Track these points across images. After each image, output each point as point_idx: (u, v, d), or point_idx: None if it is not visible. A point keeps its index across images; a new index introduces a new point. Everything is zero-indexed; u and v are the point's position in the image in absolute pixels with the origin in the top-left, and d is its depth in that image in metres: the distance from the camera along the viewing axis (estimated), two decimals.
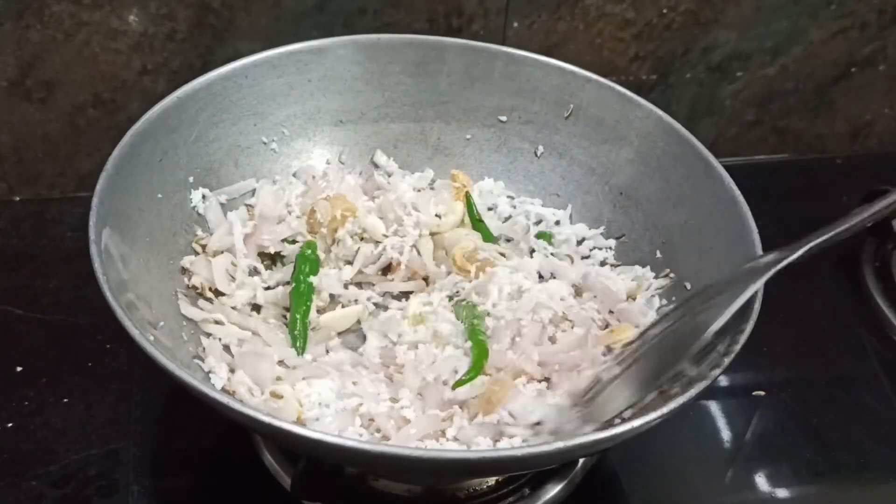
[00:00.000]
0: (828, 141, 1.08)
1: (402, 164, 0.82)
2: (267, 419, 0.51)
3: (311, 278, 0.70)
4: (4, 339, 0.77)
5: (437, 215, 0.76)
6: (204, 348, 0.66)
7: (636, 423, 0.52)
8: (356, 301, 0.71)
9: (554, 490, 0.67)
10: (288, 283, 0.70)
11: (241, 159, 0.77)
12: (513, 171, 0.82)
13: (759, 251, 0.64)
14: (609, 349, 0.66)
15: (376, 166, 0.81)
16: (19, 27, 0.81)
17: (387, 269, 0.73)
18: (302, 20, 0.86)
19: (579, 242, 0.78)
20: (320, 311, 0.70)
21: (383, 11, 0.87)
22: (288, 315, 0.69)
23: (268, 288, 0.71)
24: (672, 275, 0.72)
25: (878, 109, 1.07)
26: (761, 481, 0.72)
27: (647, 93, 0.97)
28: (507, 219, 0.80)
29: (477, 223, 0.77)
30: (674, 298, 0.70)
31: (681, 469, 0.73)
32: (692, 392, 0.54)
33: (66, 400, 0.72)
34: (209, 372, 0.64)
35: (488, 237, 0.77)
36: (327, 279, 0.70)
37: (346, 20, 0.87)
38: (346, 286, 0.72)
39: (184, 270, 0.70)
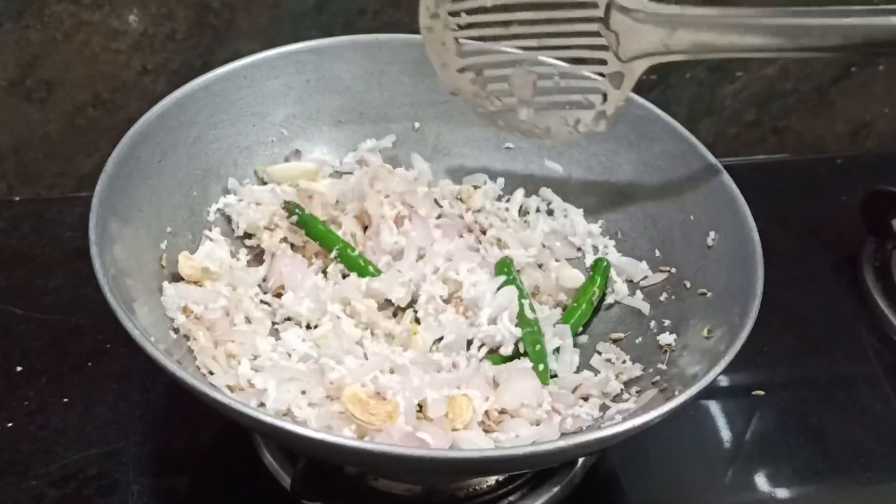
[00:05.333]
0: (828, 141, 1.08)
1: (400, 164, 0.82)
2: (267, 419, 0.51)
3: None
4: (4, 339, 0.77)
5: None
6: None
7: (636, 422, 0.52)
8: None
9: (554, 490, 0.67)
10: None
11: (240, 160, 0.76)
12: (511, 170, 0.82)
13: (759, 251, 0.64)
14: None
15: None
16: (19, 27, 0.81)
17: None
18: (302, 20, 0.86)
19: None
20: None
21: (383, 11, 0.87)
22: None
23: None
24: (673, 270, 0.72)
25: (878, 109, 1.07)
26: (761, 481, 0.72)
27: (647, 93, 0.97)
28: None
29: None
30: (673, 297, 0.70)
31: (681, 469, 0.73)
32: (692, 392, 0.54)
33: (66, 400, 0.72)
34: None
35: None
36: None
37: (346, 20, 0.87)
38: None
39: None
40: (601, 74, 0.66)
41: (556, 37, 0.66)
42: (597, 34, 0.64)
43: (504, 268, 0.72)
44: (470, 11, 0.65)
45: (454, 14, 0.65)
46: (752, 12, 0.61)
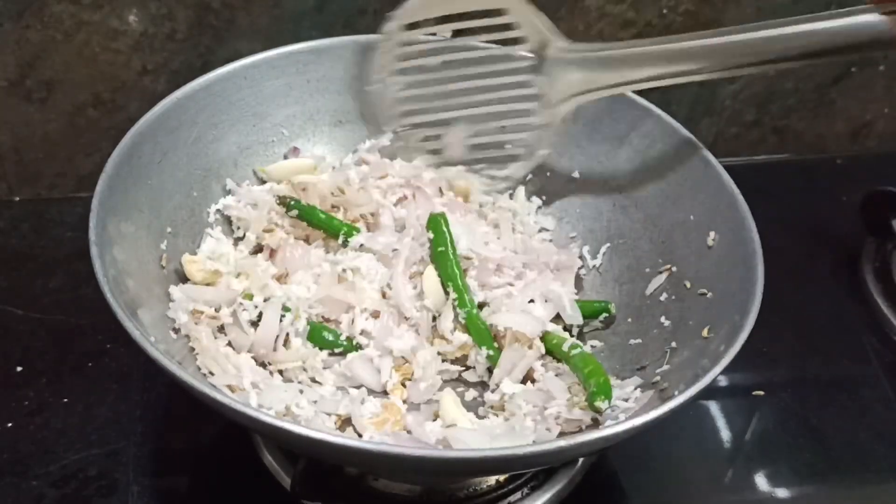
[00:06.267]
0: (828, 141, 1.08)
1: None
2: (267, 419, 0.51)
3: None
4: (4, 339, 0.77)
5: None
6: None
7: (636, 422, 0.52)
8: None
9: (554, 490, 0.67)
10: None
11: (240, 160, 0.77)
12: None
13: (759, 251, 0.64)
14: None
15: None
16: (19, 27, 0.81)
17: None
18: (302, 20, 0.86)
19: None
20: None
21: (383, 11, 0.87)
22: None
23: None
24: (673, 269, 0.72)
25: (878, 109, 1.07)
26: (761, 481, 0.72)
27: (648, 93, 0.97)
28: None
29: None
30: (673, 297, 0.70)
31: (681, 469, 0.73)
32: (692, 392, 0.54)
33: (66, 400, 0.72)
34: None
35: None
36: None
37: (346, 20, 0.87)
38: None
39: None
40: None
41: (490, 91, 0.74)
42: (529, 85, 0.72)
43: (436, 225, 0.71)
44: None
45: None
46: (668, 40, 0.68)
